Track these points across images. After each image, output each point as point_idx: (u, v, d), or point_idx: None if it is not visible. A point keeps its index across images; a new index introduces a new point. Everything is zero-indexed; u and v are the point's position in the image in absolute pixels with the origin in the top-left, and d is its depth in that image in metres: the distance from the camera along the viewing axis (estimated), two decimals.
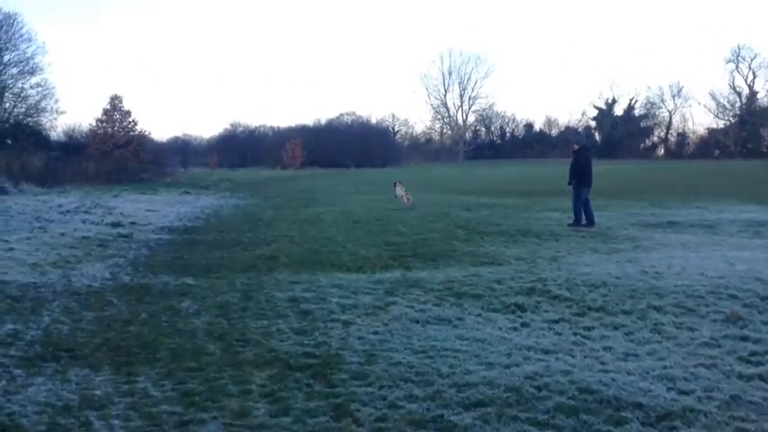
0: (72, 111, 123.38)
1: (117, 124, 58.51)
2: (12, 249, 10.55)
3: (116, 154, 53.27)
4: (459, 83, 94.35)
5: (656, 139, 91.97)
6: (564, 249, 10.85)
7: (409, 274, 8.69)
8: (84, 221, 15.13)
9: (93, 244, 11.70)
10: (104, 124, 58.25)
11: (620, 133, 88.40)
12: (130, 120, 58.62)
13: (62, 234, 12.73)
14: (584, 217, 14.02)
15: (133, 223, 15.37)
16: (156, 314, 6.59)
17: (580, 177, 14.16)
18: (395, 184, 21.10)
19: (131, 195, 25.07)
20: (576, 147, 15.53)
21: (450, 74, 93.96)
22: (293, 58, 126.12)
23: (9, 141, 44.89)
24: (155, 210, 19.10)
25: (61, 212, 17.03)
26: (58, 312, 6.69)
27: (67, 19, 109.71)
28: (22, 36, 48.76)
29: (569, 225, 13.99)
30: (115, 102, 58.42)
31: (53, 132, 61.08)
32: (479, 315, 6.36)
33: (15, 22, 47.61)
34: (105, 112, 58.31)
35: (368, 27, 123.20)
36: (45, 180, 29.88)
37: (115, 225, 14.65)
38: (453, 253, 10.65)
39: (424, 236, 12.73)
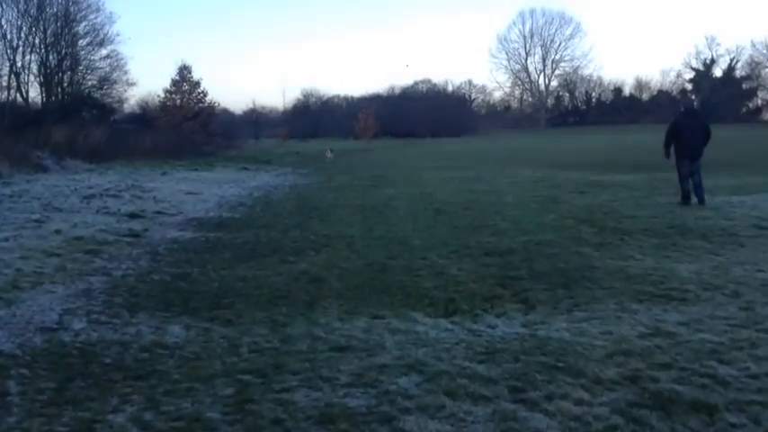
0: (146, 82, 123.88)
1: (186, 95, 56.84)
2: None
3: (185, 126, 51.58)
4: (542, 45, 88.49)
5: (760, 102, 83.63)
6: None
7: (539, 328, 5.04)
8: (98, 210, 12.13)
9: (82, 249, 8.56)
10: (173, 95, 56.67)
11: (720, 96, 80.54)
12: (200, 90, 56.88)
13: (56, 231, 9.70)
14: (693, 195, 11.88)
15: (159, 213, 12.29)
16: None
17: (676, 148, 12.13)
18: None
19: (181, 173, 22.23)
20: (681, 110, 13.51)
21: (531, 36, 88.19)
22: (366, 22, 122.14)
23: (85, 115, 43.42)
24: (196, 192, 16.06)
25: (84, 197, 14.16)
26: None
27: None
28: (89, 6, 46.65)
29: (678, 204, 11.79)
30: (184, 72, 56.68)
31: (126, 105, 60.03)
32: None
33: None
34: (174, 82, 56.68)
35: None
36: (95, 155, 27.61)
37: (133, 216, 11.57)
38: (592, 271, 6.91)
39: (537, 236, 9.00)
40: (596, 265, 7.17)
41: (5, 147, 22.67)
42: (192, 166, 25.15)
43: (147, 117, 56.20)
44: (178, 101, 56.22)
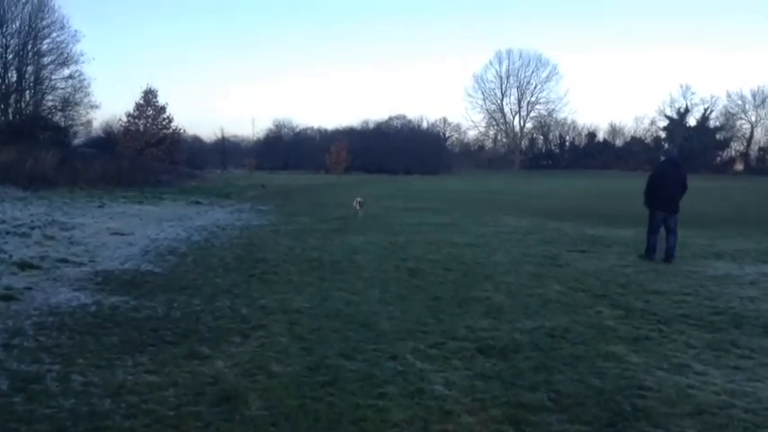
0: (111, 105, 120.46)
1: (150, 121, 54.40)
2: None
3: (147, 153, 49.10)
4: (518, 87, 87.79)
5: (733, 152, 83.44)
6: None
7: None
8: None
9: None
10: (137, 120, 54.20)
11: (693, 146, 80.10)
12: (165, 116, 54.41)
13: None
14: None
15: (62, 261, 9.78)
16: None
17: (652, 198, 11.34)
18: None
19: (122, 206, 19.66)
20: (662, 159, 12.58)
21: (508, 77, 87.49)
22: (344, 57, 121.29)
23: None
24: (126, 233, 13.53)
25: None
26: None
27: (105, 12, 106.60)
28: (54, 23, 43.98)
29: (639, 257, 11.17)
30: (149, 96, 54.31)
31: (87, 128, 57.59)
32: None
33: (48, 9, 42.85)
34: (138, 107, 54.24)
35: (421, 26, 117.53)
36: (35, 182, 24.92)
37: (24, 267, 9.05)
38: (644, 396, 4.64)
39: (546, 320, 6.72)
40: (646, 384, 4.89)
41: None
42: (137, 198, 22.59)
43: (110, 141, 53.52)
44: (141, 126, 53.68)
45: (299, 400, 4.47)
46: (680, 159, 15.25)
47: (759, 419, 4.27)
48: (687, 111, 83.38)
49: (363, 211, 18.07)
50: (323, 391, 4.65)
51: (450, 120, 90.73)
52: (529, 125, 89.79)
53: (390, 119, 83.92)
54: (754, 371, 5.26)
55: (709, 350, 5.82)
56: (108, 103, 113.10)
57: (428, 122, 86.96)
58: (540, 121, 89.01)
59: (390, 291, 8.13)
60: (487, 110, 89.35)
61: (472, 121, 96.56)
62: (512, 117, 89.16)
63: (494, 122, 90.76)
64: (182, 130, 56.20)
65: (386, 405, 4.41)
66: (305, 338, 5.95)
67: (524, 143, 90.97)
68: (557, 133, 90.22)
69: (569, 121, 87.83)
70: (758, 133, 79.84)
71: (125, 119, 53.86)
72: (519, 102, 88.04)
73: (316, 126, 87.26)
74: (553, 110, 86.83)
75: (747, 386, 4.90)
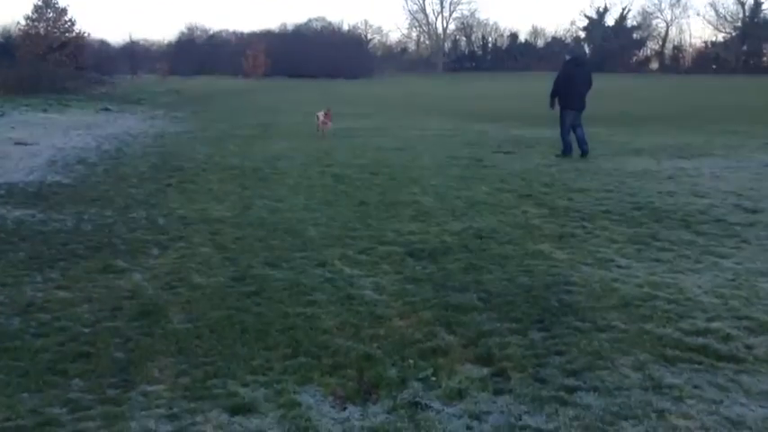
0: (8, 8, 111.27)
1: (50, 23, 50.55)
2: None
3: (49, 58, 45.83)
4: None
5: (649, 51, 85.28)
6: None
7: None
8: None
9: None
10: (36, 23, 50.29)
11: (612, 45, 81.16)
12: (66, 18, 50.62)
13: None
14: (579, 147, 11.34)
15: None
16: None
17: (562, 98, 11.45)
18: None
19: (24, 114, 18.37)
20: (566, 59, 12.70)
21: None
22: None
23: None
24: (30, 142, 12.65)
25: None
26: None
27: None
28: None
29: (557, 156, 11.24)
30: None
31: None
32: None
33: None
34: (36, 9, 50.19)
35: None
36: None
37: None
38: (570, 291, 4.68)
39: (473, 221, 6.70)
40: (572, 279, 4.94)
41: None
42: (42, 106, 21.14)
43: (9, 47, 49.59)
44: (42, 29, 49.87)
45: (223, 311, 4.29)
46: (584, 57, 15.51)
47: (681, 309, 4.37)
48: (606, 10, 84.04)
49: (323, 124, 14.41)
50: (249, 301, 4.47)
51: (371, 22, 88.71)
52: (452, 26, 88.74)
53: (309, 21, 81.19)
54: (674, 263, 5.40)
55: (631, 244, 5.93)
56: (4, 5, 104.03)
57: (349, 25, 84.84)
58: (463, 22, 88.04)
59: (316, 197, 7.92)
60: (410, 11, 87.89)
61: (394, 23, 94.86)
62: (434, 18, 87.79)
63: (416, 24, 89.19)
64: (86, 34, 52.66)
65: (315, 312, 4.28)
66: (228, 248, 5.72)
67: (447, 45, 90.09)
68: (479, 35, 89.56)
69: (492, 23, 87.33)
70: (673, 32, 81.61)
71: (23, 22, 49.89)
72: (441, 2, 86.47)
73: (231, 29, 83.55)
74: (476, 10, 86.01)
75: (668, 278, 5.02)
